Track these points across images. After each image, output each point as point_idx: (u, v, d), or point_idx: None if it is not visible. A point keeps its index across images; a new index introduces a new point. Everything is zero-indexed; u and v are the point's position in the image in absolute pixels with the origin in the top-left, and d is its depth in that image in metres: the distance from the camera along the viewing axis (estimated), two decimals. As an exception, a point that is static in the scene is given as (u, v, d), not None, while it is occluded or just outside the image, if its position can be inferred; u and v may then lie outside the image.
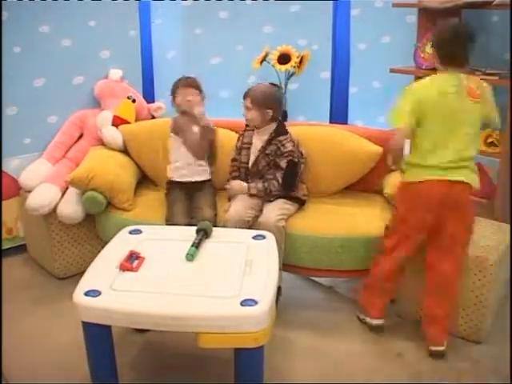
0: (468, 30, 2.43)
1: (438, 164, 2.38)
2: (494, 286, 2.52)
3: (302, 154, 2.93)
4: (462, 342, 2.59)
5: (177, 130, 2.96)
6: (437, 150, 2.38)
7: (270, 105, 2.82)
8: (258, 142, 2.90)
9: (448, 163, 2.37)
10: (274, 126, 2.87)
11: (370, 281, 2.65)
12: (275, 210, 2.74)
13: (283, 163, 2.81)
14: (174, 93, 3.01)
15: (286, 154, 2.81)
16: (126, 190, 2.96)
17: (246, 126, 2.97)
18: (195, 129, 2.94)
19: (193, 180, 2.96)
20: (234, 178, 2.98)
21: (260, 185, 2.82)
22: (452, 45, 2.39)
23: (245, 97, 2.86)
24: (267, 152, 2.85)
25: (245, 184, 2.86)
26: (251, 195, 2.82)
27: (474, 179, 2.42)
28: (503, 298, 2.77)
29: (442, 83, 2.40)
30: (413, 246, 2.52)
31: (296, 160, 2.85)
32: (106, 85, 3.46)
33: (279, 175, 2.81)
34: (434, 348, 2.48)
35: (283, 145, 2.82)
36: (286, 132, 2.87)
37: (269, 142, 2.85)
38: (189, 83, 2.99)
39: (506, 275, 2.73)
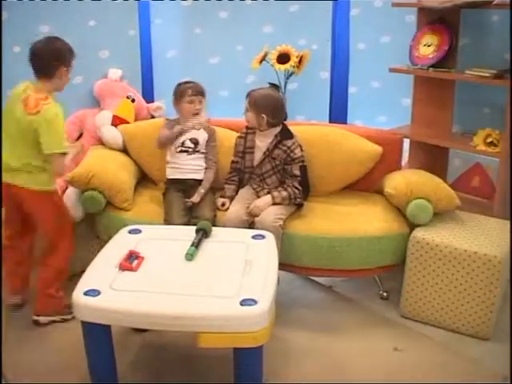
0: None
1: (7, 166, 2.48)
2: (500, 284, 2.54)
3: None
4: (467, 340, 2.61)
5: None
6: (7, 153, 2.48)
7: (265, 111, 2.80)
8: (262, 144, 2.89)
9: (11, 166, 2.46)
10: (278, 129, 2.87)
11: None
12: (272, 211, 2.74)
13: (296, 171, 2.82)
14: (180, 97, 2.97)
15: (297, 161, 2.82)
16: (126, 190, 2.96)
17: (247, 127, 2.96)
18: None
19: (190, 177, 2.97)
20: (232, 180, 2.97)
21: (284, 193, 2.78)
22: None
23: (246, 98, 2.87)
24: (273, 156, 2.84)
25: (268, 196, 2.80)
26: (274, 204, 2.78)
27: (33, 182, 2.48)
28: (504, 295, 2.77)
29: (16, 91, 2.49)
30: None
31: (305, 164, 2.86)
32: (105, 84, 3.46)
33: (297, 183, 2.81)
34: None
35: (292, 151, 2.81)
36: (291, 136, 2.86)
37: (275, 146, 2.84)
38: (198, 90, 2.98)
39: (507, 273, 2.73)
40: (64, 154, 2.47)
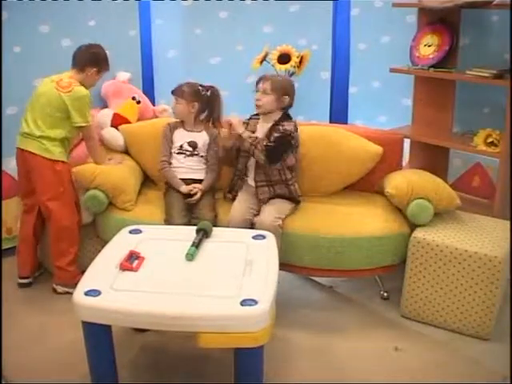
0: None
1: (27, 134, 2.85)
2: (500, 284, 2.55)
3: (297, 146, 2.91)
4: (467, 340, 2.61)
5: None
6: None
7: (288, 92, 2.85)
8: (261, 129, 2.89)
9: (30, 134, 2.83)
10: (279, 114, 2.87)
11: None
12: (272, 210, 2.74)
13: (274, 136, 2.79)
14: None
15: (281, 130, 2.80)
16: (130, 192, 2.96)
17: (255, 113, 2.95)
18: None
19: (190, 177, 2.97)
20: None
21: (251, 139, 2.78)
22: None
23: (263, 80, 2.86)
24: (271, 140, 2.81)
25: (242, 128, 2.83)
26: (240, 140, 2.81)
27: (43, 150, 2.81)
28: (504, 295, 2.77)
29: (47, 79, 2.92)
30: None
31: (289, 138, 2.81)
32: (112, 85, 3.48)
33: (265, 142, 2.77)
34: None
35: (283, 126, 2.81)
36: (290, 118, 2.88)
37: (272, 128, 2.83)
38: (173, 91, 2.99)
39: (507, 273, 2.73)
40: (89, 125, 2.89)
